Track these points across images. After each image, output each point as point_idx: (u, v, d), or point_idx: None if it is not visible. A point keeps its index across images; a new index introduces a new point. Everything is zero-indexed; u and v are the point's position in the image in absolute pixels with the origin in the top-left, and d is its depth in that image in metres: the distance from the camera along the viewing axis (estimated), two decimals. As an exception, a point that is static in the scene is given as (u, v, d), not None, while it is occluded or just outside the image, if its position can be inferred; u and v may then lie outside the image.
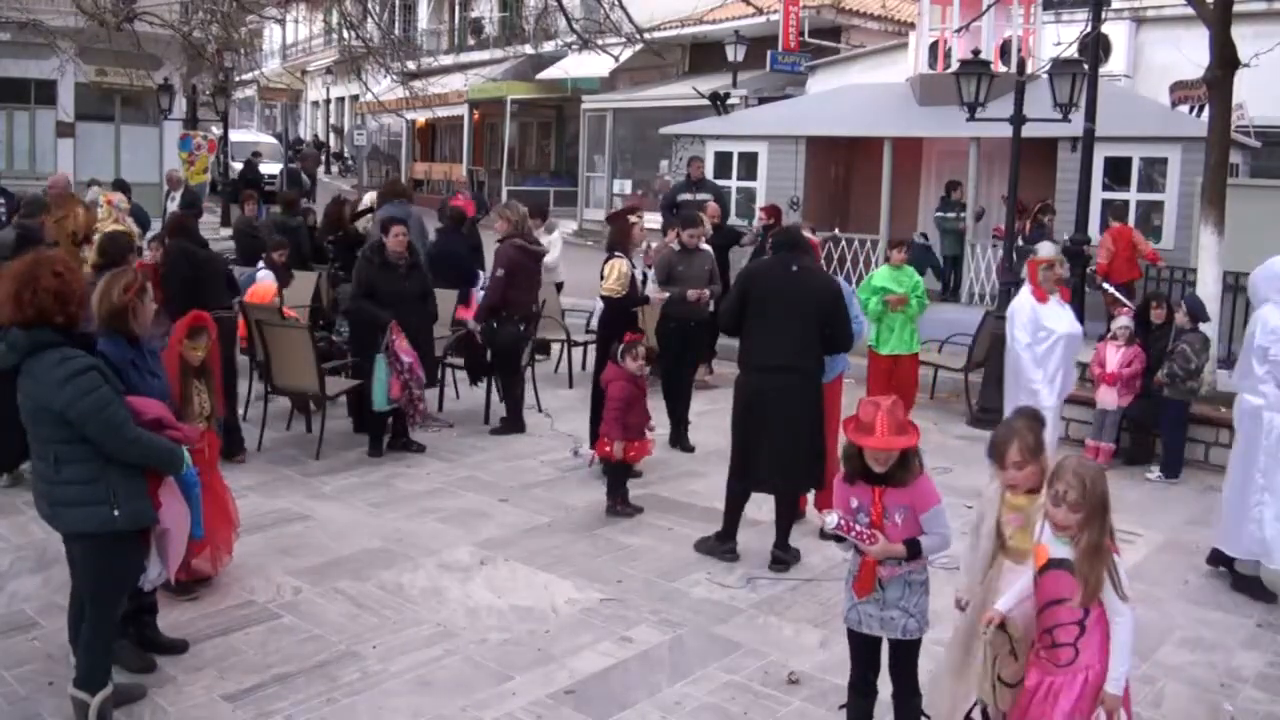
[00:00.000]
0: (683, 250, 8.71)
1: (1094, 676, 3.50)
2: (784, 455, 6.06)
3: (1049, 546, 3.55)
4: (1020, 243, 12.11)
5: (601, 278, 8.06)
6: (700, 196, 12.56)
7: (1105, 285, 11.19)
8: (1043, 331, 7.32)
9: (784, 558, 6.17)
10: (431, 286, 8.58)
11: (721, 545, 6.31)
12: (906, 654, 4.04)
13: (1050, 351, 7.35)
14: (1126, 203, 12.98)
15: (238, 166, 26.51)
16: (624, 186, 24.55)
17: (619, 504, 7.01)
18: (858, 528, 3.85)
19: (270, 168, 27.37)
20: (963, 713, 4.01)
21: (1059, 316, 7.41)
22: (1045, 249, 7.73)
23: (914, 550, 3.87)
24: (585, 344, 11.16)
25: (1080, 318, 8.10)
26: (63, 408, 3.90)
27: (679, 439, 8.54)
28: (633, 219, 8.33)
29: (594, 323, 10.39)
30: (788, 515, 6.24)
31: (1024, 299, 7.48)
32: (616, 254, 8.06)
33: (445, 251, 10.38)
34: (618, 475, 7.04)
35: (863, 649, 4.08)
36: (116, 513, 4.02)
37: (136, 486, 4.11)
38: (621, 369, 6.93)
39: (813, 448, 6.13)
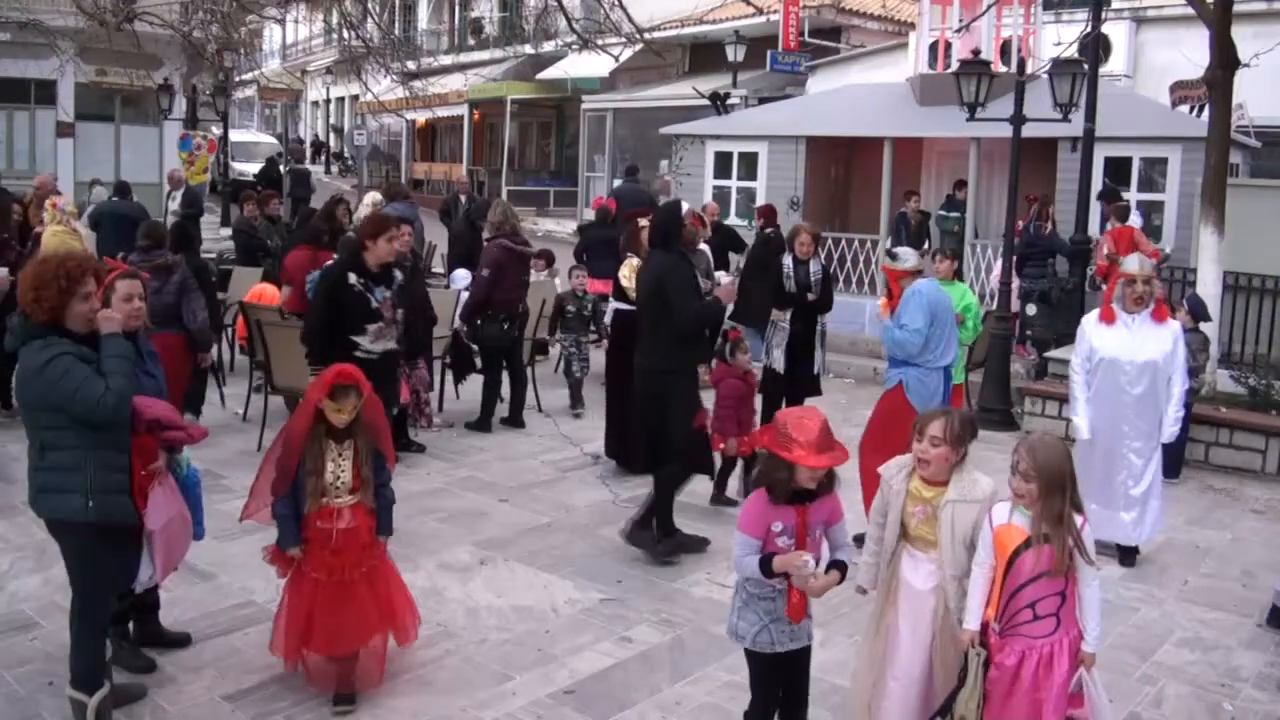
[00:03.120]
0: (678, 250, 8.73)
1: (1074, 640, 3.66)
2: (649, 444, 6.32)
3: (1019, 526, 3.65)
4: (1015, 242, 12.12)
5: (618, 281, 8.10)
6: None
7: (1104, 286, 11.17)
8: (1094, 353, 6.46)
9: (640, 540, 6.25)
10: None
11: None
12: (807, 659, 3.98)
13: (1095, 376, 6.47)
14: (1127, 204, 12.95)
15: (238, 166, 26.54)
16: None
17: (724, 496, 7.21)
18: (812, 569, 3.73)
19: (257, 167, 27.36)
20: (868, 701, 4.03)
21: (1118, 339, 6.39)
22: (1129, 263, 6.55)
23: (844, 572, 3.80)
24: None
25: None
26: (42, 394, 3.93)
27: None
28: (643, 222, 8.36)
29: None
30: (658, 503, 6.29)
31: (1088, 315, 6.72)
32: (628, 255, 8.15)
33: (600, 239, 11.74)
34: (727, 469, 7.22)
35: (772, 669, 3.95)
36: (90, 503, 3.99)
37: (115, 482, 4.07)
38: (731, 367, 6.94)
39: (669, 437, 6.19)
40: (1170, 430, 6.49)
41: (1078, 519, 3.63)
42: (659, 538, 6.24)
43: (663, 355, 6.19)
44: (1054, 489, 3.59)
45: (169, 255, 7.55)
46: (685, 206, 6.70)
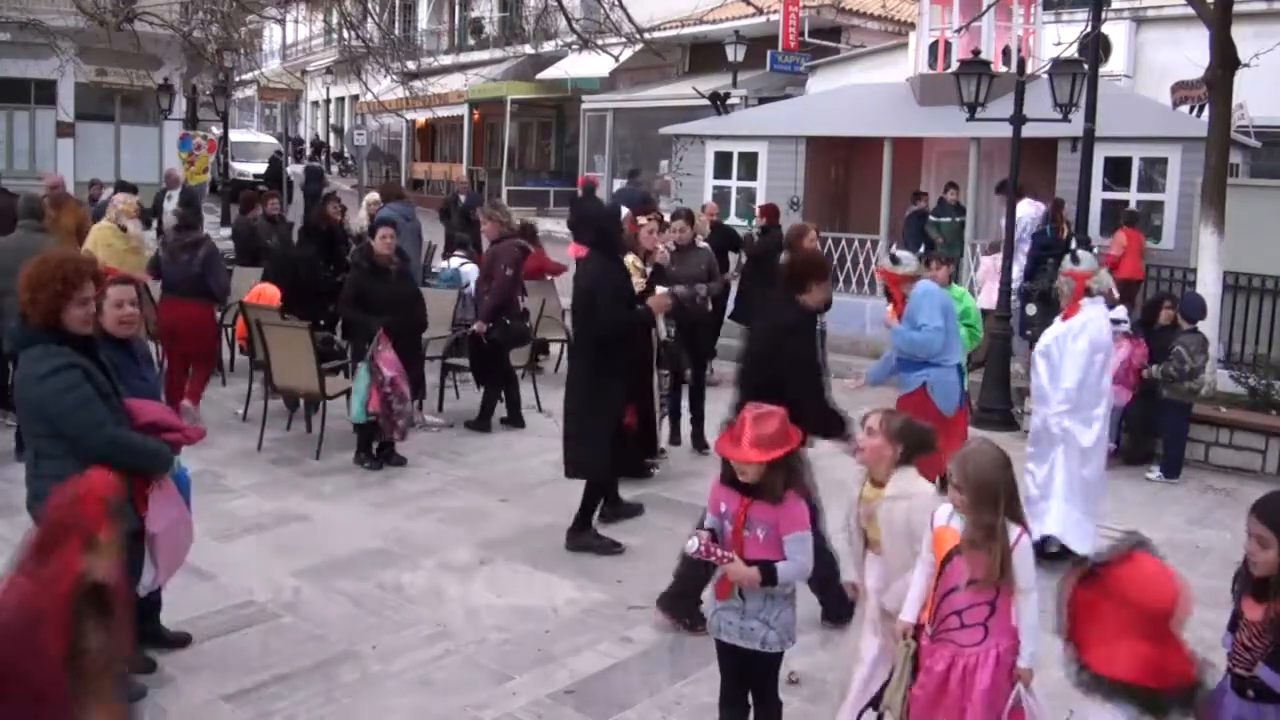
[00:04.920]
0: (677, 249, 8.71)
1: (1004, 653, 3.54)
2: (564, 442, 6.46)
3: (955, 530, 3.57)
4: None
5: None
6: None
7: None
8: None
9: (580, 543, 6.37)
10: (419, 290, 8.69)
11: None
12: (764, 668, 3.90)
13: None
14: (1134, 208, 12.96)
15: (238, 166, 26.51)
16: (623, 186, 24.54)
17: None
18: (717, 551, 3.72)
19: (257, 167, 27.40)
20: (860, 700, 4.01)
21: (1055, 331, 6.70)
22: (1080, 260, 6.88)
23: (769, 577, 3.69)
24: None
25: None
26: (40, 403, 3.91)
27: (696, 437, 8.57)
28: (641, 220, 8.36)
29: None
30: (584, 497, 6.42)
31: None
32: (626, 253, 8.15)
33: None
34: None
35: (728, 659, 3.94)
36: None
37: None
38: None
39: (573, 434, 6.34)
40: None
41: (1014, 530, 3.51)
42: (577, 529, 6.39)
43: (583, 362, 6.35)
44: (984, 501, 3.47)
45: (198, 233, 8.81)
46: (625, 211, 6.80)
